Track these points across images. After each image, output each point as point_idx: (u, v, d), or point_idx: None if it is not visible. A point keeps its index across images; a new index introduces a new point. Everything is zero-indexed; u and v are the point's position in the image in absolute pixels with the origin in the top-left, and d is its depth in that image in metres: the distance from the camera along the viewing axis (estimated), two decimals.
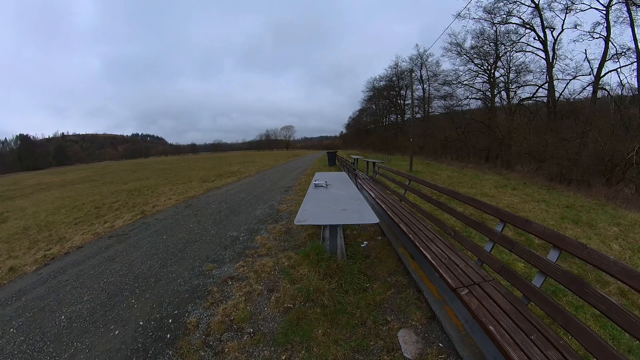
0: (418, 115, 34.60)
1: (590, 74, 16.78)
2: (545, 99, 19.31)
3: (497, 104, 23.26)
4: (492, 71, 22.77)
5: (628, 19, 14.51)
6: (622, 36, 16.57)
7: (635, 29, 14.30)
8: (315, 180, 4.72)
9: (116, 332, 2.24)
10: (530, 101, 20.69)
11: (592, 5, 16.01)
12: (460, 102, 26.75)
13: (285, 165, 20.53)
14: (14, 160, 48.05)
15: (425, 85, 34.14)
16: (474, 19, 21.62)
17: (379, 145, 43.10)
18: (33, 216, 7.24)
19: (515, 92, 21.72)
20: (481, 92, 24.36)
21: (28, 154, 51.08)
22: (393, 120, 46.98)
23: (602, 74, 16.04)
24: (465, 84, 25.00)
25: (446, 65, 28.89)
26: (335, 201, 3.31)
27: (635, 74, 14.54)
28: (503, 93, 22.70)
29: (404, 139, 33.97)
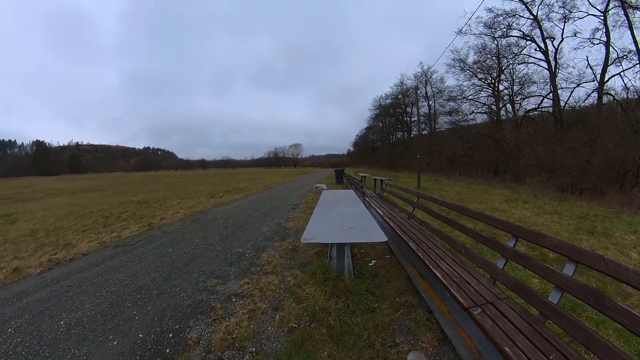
0: (424, 132, 34.74)
1: (593, 80, 16.68)
2: (550, 109, 19.18)
3: (503, 117, 23.19)
4: (496, 84, 22.87)
5: (626, 22, 14.59)
6: (621, 40, 16.81)
7: (634, 30, 14.34)
8: (322, 198, 4.72)
9: (115, 343, 2.20)
10: (535, 112, 20.54)
11: (590, 12, 16.19)
12: (466, 117, 26.82)
13: (293, 182, 20.63)
14: (29, 165, 49.93)
15: (430, 102, 34.65)
16: (475, 34, 22.16)
17: (386, 162, 43.22)
18: (42, 220, 7.41)
19: (520, 104, 21.67)
20: (486, 106, 24.38)
21: (43, 159, 53.02)
22: (400, 138, 47.43)
23: (606, 79, 15.91)
24: (470, 99, 25.14)
25: (450, 81, 29.45)
26: (343, 219, 3.29)
27: (639, 75, 14.52)
28: (508, 106, 22.67)
29: (411, 156, 33.94)
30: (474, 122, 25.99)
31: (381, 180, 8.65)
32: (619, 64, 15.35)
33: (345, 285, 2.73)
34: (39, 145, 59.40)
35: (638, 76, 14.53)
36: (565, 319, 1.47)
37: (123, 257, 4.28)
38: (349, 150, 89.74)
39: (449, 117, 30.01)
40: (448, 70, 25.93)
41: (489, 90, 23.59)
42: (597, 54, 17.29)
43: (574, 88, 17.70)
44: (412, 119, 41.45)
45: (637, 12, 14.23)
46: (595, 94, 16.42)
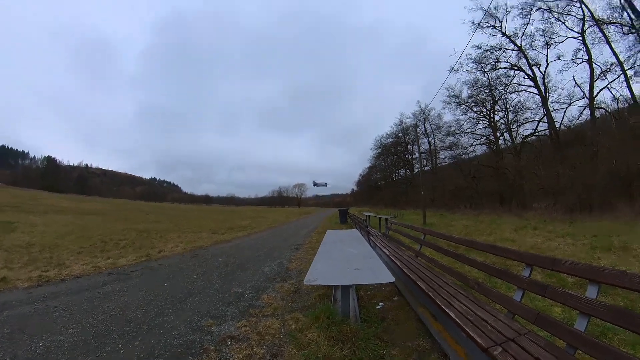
0: (426, 168, 35.20)
1: (583, 98, 17.51)
2: (547, 132, 19.69)
3: (502, 146, 23.72)
4: (492, 115, 23.81)
5: (603, 37, 15.74)
6: (602, 55, 17.57)
7: (612, 44, 15.37)
8: (326, 238, 4.68)
9: None
10: (533, 137, 21.10)
11: (569, 35, 17.67)
12: (466, 150, 27.41)
13: (296, 222, 20.49)
14: (37, 178, 50.24)
15: (430, 138, 35.75)
16: (467, 70, 23.61)
17: (390, 200, 43.30)
18: (40, 234, 7.36)
19: (517, 131, 22.32)
20: (484, 137, 25.08)
21: (51, 175, 53.48)
22: (402, 175, 48.20)
23: (595, 94, 16.60)
24: (468, 132, 25.95)
25: (448, 116, 30.95)
26: (348, 260, 3.23)
27: (624, 84, 15.10)
28: (505, 134, 23.34)
29: (414, 193, 34.07)
30: (474, 154, 26.63)
31: (386, 219, 8.61)
32: (605, 78, 16.27)
33: (351, 330, 2.55)
34: (49, 161, 61.30)
35: (624, 85, 15.19)
36: (595, 346, 1.35)
37: (116, 285, 4.13)
38: (353, 189, 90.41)
39: (449, 152, 30.84)
40: (444, 107, 27.34)
41: (485, 122, 24.53)
42: (582, 72, 18.23)
43: (566, 108, 18.55)
44: (414, 156, 42.48)
45: (611, 26, 15.51)
46: (587, 110, 17.12)
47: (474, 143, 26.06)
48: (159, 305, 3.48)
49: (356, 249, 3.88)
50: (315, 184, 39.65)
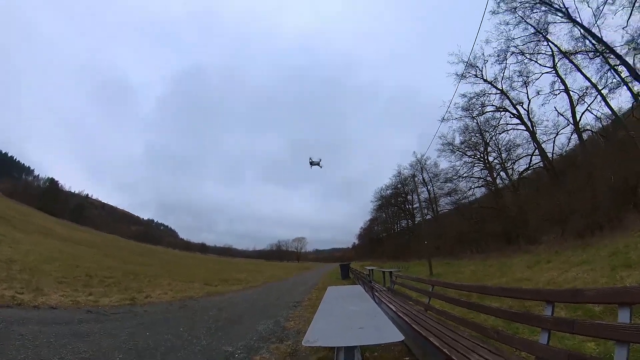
0: (428, 217, 34.85)
1: (568, 125, 18.78)
2: (541, 164, 20.38)
3: (500, 185, 24.07)
4: (486, 157, 24.59)
5: (573, 66, 17.56)
6: (576, 82, 18.76)
7: (582, 70, 17.10)
8: (327, 295, 4.52)
9: None
10: (528, 171, 21.65)
11: (543, 72, 19.65)
12: (465, 194, 27.57)
13: (295, 278, 19.99)
14: (35, 197, 48.24)
15: (429, 187, 36.21)
16: (457, 118, 25.01)
17: (393, 253, 42.04)
18: (24, 253, 6.92)
19: (512, 168, 22.96)
20: (482, 179, 25.56)
21: (50, 197, 51.39)
22: (404, 226, 47.55)
23: (578, 118, 17.86)
24: (465, 176, 26.45)
25: (444, 164, 31.72)
26: (351, 318, 3.03)
27: (603, 103, 16.32)
28: (502, 173, 23.85)
29: (418, 243, 32.97)
30: (473, 197, 26.76)
31: (390, 273, 8.41)
32: (583, 102, 17.79)
33: None
34: (52, 183, 60.07)
35: (603, 104, 16.50)
36: None
37: (93, 325, 3.77)
38: (354, 243, 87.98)
39: (449, 198, 30.93)
40: (440, 155, 28.44)
41: (481, 164, 25.31)
42: (562, 102, 19.55)
43: (555, 137, 19.66)
44: (414, 206, 42.41)
45: (578, 55, 17.37)
46: (575, 136, 18.27)
47: (472, 186, 26.53)
48: (136, 356, 3.14)
49: (360, 306, 3.66)
50: (311, 163, 39.19)
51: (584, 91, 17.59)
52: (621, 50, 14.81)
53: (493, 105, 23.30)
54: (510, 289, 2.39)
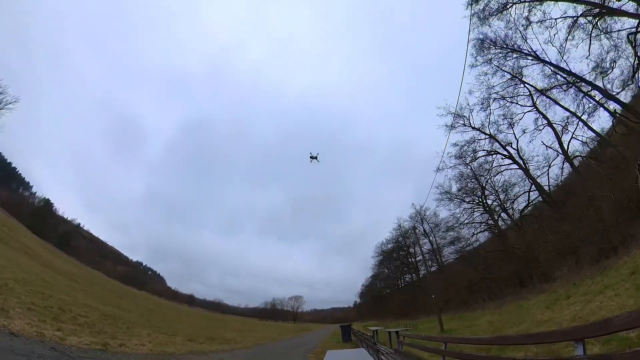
0: (433, 269, 33.14)
1: (558, 155, 19.63)
2: (540, 198, 20.60)
3: (503, 226, 23.65)
4: (484, 201, 24.53)
5: (551, 101, 19.07)
6: (557, 114, 19.89)
7: (560, 102, 18.50)
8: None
9: None
10: (529, 208, 21.62)
11: (524, 111, 21.27)
12: (469, 241, 26.65)
13: (290, 340, 17.99)
14: (27, 214, 42.68)
15: (431, 237, 34.74)
16: (451, 167, 25.48)
17: (398, 310, 38.71)
18: None
19: (513, 207, 22.84)
20: (484, 224, 25.05)
21: (41, 217, 45.87)
22: (409, 280, 44.70)
23: (566, 148, 18.74)
24: (467, 223, 25.92)
25: (443, 213, 31.23)
26: None
27: (585, 128, 17.34)
28: (503, 214, 23.56)
29: (424, 297, 30.25)
30: (477, 242, 25.81)
31: (397, 332, 7.83)
32: (567, 131, 18.90)
33: None
34: (46, 204, 54.84)
35: (585, 129, 17.58)
36: None
37: None
38: (355, 302, 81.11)
39: (452, 247, 29.74)
40: (438, 204, 28.28)
41: (480, 209, 25.06)
42: (548, 135, 20.57)
43: (548, 170, 20.27)
44: (417, 259, 40.25)
45: (554, 90, 18.91)
46: (567, 165, 18.98)
47: (475, 232, 25.93)
48: None
49: None
50: (311, 157, 38.56)
51: (566, 121, 18.94)
52: (590, 77, 16.51)
53: (484, 150, 24.33)
54: (533, 335, 2.18)
